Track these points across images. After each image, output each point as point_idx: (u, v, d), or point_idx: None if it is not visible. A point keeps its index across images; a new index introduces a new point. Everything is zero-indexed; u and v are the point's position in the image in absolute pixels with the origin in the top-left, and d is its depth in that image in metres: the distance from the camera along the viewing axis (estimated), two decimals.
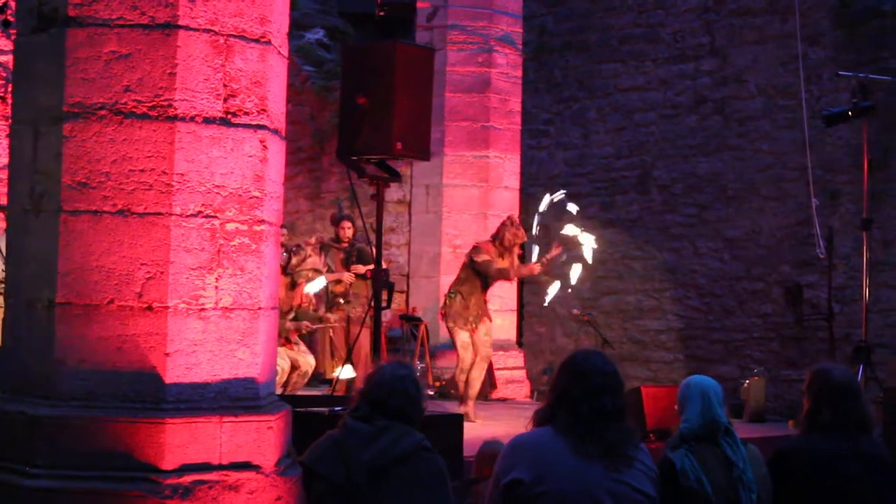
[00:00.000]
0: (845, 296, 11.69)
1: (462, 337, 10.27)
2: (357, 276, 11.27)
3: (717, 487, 4.77)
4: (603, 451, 4.25)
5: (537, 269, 10.26)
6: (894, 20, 11.90)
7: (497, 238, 10.36)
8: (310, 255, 10.88)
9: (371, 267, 9.43)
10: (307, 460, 4.74)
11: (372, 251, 8.84)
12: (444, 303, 10.53)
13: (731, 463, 4.85)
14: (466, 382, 10.22)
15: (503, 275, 10.31)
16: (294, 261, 10.61)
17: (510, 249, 10.30)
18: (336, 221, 12.00)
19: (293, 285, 10.59)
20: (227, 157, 5.14)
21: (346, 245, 11.69)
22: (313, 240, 11.73)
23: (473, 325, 10.27)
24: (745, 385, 11.07)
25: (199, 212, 5.07)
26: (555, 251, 10.19)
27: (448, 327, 10.41)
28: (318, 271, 10.94)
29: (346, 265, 11.49)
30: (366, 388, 4.79)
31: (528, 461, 4.26)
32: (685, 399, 5.01)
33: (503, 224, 10.43)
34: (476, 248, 10.42)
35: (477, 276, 10.33)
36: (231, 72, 5.17)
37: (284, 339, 10.11)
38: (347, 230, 11.75)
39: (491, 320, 10.51)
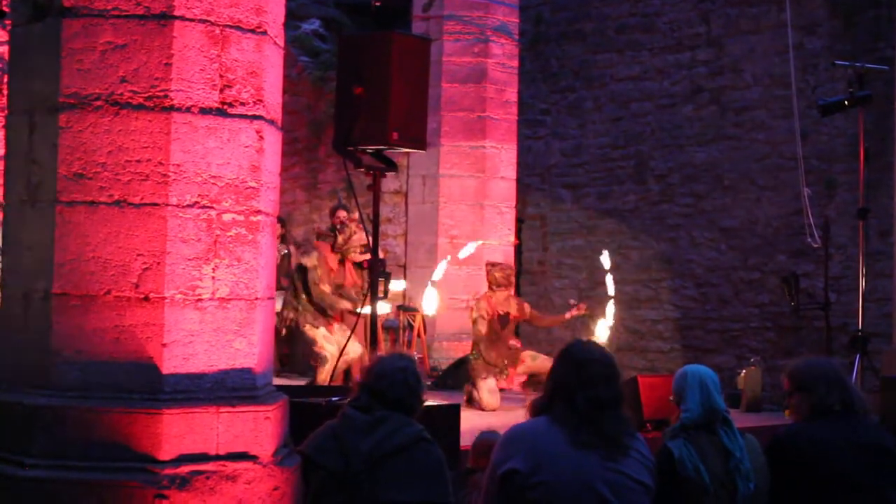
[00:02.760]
0: (842, 285, 11.69)
1: (489, 383, 10.35)
2: (354, 264, 11.26)
3: (714, 476, 4.79)
4: (599, 441, 4.26)
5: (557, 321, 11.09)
6: (890, 9, 11.90)
7: (491, 283, 10.71)
8: (355, 232, 10.88)
9: (367, 256, 9.55)
10: (306, 450, 4.75)
11: (369, 241, 8.85)
12: (470, 363, 10.70)
13: (728, 452, 4.86)
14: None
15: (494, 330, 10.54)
16: (340, 239, 10.63)
17: (506, 287, 10.64)
18: (332, 212, 12.02)
19: (342, 262, 10.70)
20: (224, 147, 5.14)
21: None
22: (356, 215, 11.70)
23: (506, 371, 10.49)
24: (742, 375, 11.06)
25: (196, 202, 5.07)
26: (578, 311, 10.71)
27: (476, 382, 10.53)
28: (366, 247, 11.00)
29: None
30: (366, 378, 4.80)
31: (524, 451, 4.27)
32: (683, 389, 5.01)
33: (494, 268, 10.76)
34: (475, 305, 10.71)
35: (484, 332, 10.51)
36: (227, 62, 5.16)
37: (328, 322, 10.17)
38: (339, 220, 11.76)
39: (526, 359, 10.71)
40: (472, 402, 10.24)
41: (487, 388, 10.27)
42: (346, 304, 10.26)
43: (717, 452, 4.88)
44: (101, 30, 5.02)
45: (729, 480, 4.82)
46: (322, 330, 10.07)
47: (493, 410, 10.10)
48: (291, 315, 10.70)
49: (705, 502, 4.78)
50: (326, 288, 10.23)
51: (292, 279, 10.67)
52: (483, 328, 10.40)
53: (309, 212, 15.13)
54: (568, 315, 10.80)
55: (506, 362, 10.46)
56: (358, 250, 10.67)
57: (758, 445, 5.02)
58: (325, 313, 10.20)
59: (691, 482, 4.77)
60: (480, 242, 12.23)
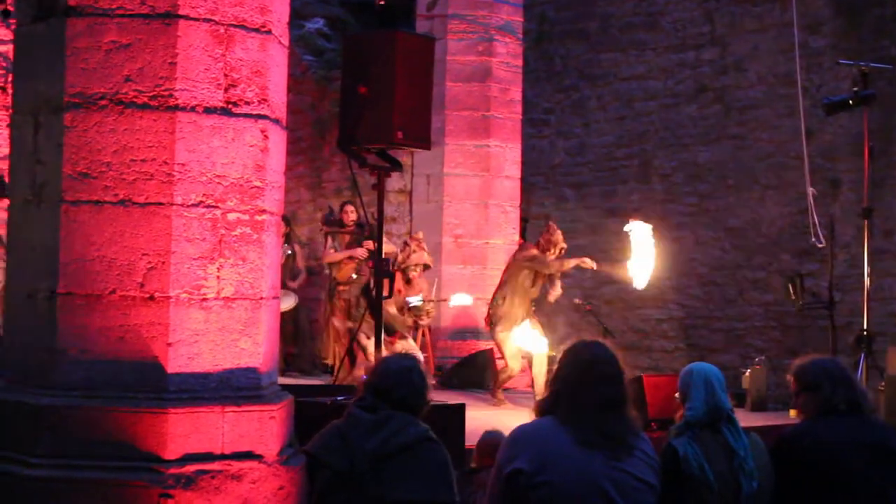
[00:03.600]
0: (846, 284, 11.68)
1: (511, 346, 10.53)
2: (369, 251, 11.29)
3: (718, 475, 4.78)
4: (604, 441, 4.25)
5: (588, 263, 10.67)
6: (895, 8, 11.88)
7: (538, 243, 10.77)
8: (415, 251, 11.03)
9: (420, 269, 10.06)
10: (311, 449, 4.75)
11: (373, 242, 8.91)
12: (489, 311, 10.83)
13: (732, 451, 4.86)
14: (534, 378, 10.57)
15: (553, 268, 10.62)
16: (400, 257, 10.79)
17: (551, 253, 10.67)
18: (341, 207, 12.10)
19: (407, 281, 10.94)
20: (228, 146, 5.14)
21: (351, 228, 11.75)
22: (420, 235, 11.82)
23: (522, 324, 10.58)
24: (747, 374, 11.06)
25: (201, 202, 5.07)
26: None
27: (497, 336, 10.69)
28: (427, 266, 11.20)
29: (357, 246, 11.55)
30: (371, 378, 4.79)
31: (529, 451, 4.26)
32: (688, 387, 5.01)
33: (545, 230, 10.81)
34: (523, 246, 10.90)
35: (517, 278, 10.60)
36: (232, 61, 5.16)
37: (400, 335, 10.40)
38: (351, 213, 11.83)
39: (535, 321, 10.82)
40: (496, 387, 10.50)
41: (510, 354, 10.50)
42: (409, 322, 10.61)
43: (722, 451, 4.87)
44: (106, 29, 5.02)
45: (733, 479, 4.82)
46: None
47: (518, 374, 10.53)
48: (350, 324, 10.94)
49: (709, 500, 4.78)
50: (392, 309, 10.45)
51: (361, 293, 10.94)
52: (525, 278, 10.57)
53: (313, 211, 15.12)
54: (573, 262, 10.78)
55: (525, 314, 10.62)
56: (418, 269, 10.90)
57: (762, 444, 5.01)
58: (387, 330, 10.41)
59: (696, 480, 4.77)
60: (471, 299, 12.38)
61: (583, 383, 4.32)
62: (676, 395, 5.13)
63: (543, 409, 4.46)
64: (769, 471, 4.92)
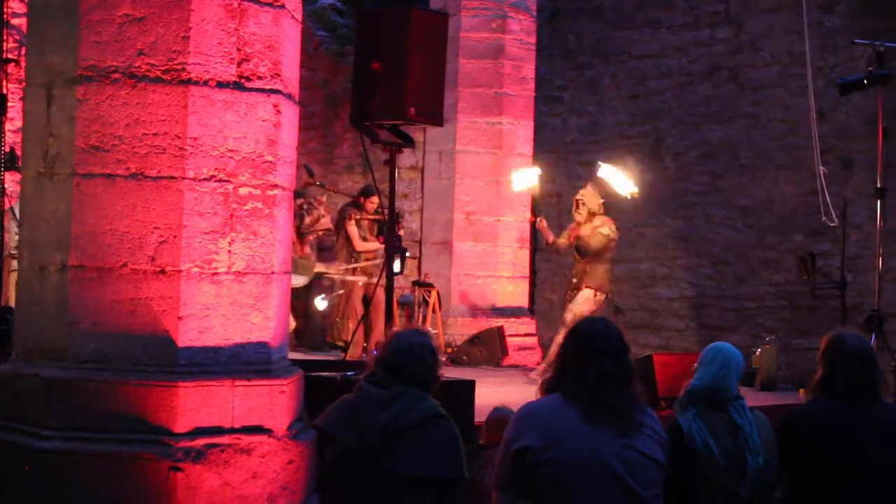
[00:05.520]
0: (858, 265, 11.65)
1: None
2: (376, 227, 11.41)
3: (723, 451, 4.80)
4: (611, 417, 4.25)
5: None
6: None
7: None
8: (323, 216, 11.00)
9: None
10: (321, 423, 4.75)
11: (381, 220, 8.95)
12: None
13: (737, 427, 4.87)
14: None
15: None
16: (308, 220, 10.77)
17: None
18: (367, 194, 12.07)
19: (300, 236, 11.07)
20: (241, 121, 5.15)
21: (373, 215, 11.80)
22: (324, 198, 11.83)
23: (575, 290, 10.91)
24: (757, 353, 11.05)
25: (212, 176, 5.08)
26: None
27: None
28: (330, 230, 11.23)
29: (380, 233, 11.58)
30: (382, 353, 4.79)
31: (537, 428, 4.27)
32: (706, 360, 5.02)
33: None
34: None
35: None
36: (245, 36, 5.16)
37: None
38: (371, 204, 11.84)
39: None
40: None
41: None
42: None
43: (727, 427, 4.88)
44: (120, 2, 5.02)
45: (738, 455, 4.83)
46: None
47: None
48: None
49: (715, 476, 4.79)
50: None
51: None
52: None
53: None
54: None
55: (575, 281, 10.86)
56: (320, 233, 10.97)
57: (766, 421, 5.02)
58: None
59: (701, 456, 4.78)
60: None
61: (586, 359, 4.32)
62: (694, 364, 5.14)
63: (549, 387, 4.47)
64: (774, 447, 4.93)
